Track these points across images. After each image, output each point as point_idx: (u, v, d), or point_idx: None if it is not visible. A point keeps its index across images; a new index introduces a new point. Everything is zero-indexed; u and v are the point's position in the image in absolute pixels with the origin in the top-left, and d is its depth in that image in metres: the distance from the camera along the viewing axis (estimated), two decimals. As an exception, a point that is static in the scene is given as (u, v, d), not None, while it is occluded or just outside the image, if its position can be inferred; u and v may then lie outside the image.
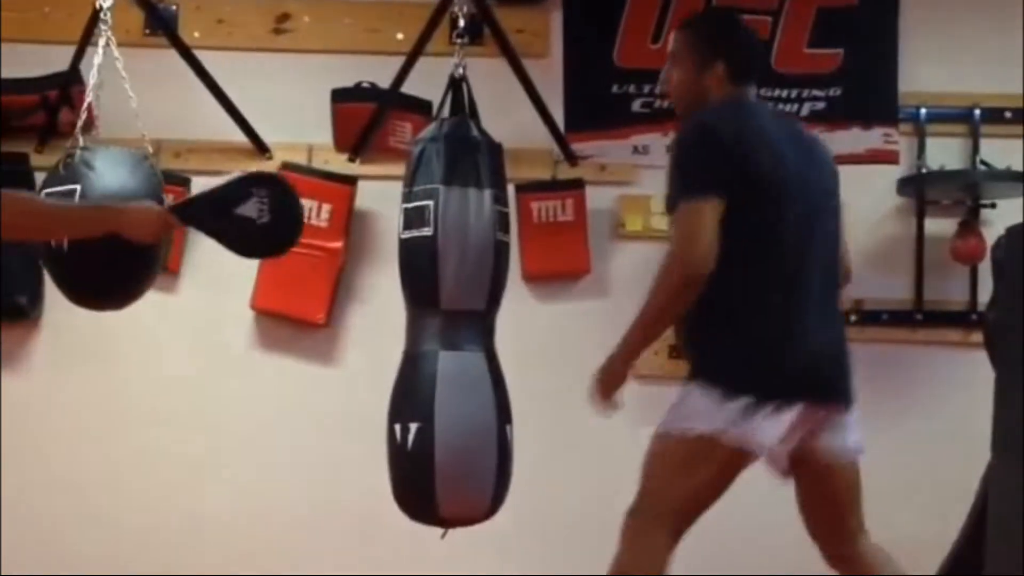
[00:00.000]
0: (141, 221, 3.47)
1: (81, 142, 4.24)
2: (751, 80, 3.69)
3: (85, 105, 4.32)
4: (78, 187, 4.04)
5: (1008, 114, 5.43)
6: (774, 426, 3.43)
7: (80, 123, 4.29)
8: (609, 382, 3.58)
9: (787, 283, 3.49)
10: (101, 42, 4.36)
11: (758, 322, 3.49)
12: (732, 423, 3.41)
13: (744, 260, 3.43)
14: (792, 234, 3.48)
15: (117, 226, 3.45)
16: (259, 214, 3.57)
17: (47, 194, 4.10)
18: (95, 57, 4.33)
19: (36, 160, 5.23)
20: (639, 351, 3.57)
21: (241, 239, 3.63)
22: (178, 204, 3.68)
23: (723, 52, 3.64)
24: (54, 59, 5.10)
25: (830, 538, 3.73)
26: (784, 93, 5.38)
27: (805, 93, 5.36)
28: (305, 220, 5.15)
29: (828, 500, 3.69)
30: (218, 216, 3.59)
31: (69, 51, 4.90)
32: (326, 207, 5.29)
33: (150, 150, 4.34)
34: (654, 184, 5.42)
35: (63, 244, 4.01)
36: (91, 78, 4.36)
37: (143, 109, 4.47)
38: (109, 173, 4.11)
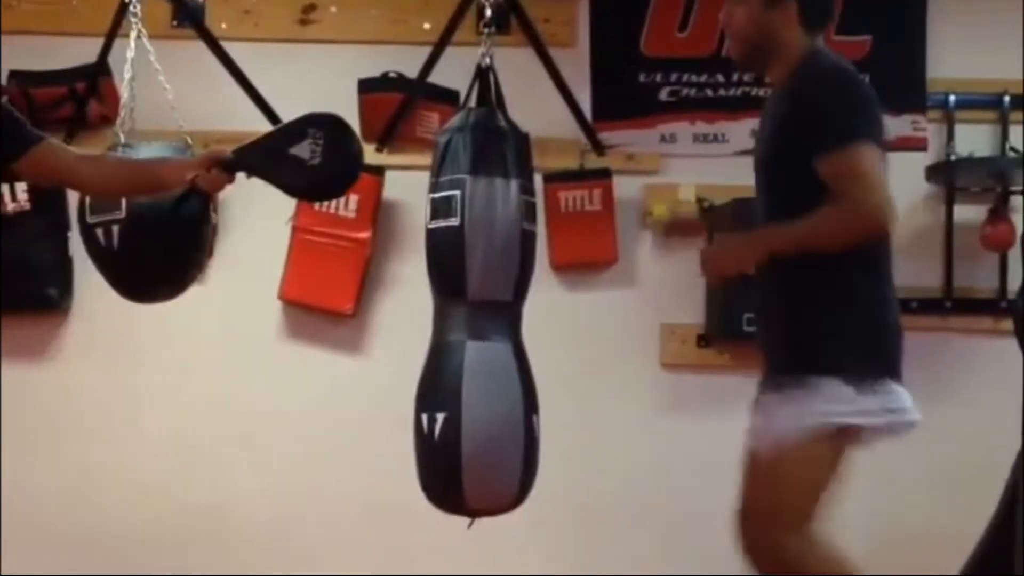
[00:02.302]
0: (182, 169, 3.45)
1: (122, 139, 4.26)
2: (823, 25, 3.43)
3: (123, 102, 4.33)
4: None
5: (1038, 100, 5.40)
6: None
7: (120, 119, 4.32)
8: (728, 260, 3.39)
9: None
10: (132, 35, 4.38)
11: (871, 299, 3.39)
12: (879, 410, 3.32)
13: None
14: None
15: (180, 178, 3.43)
16: (311, 155, 3.45)
17: None
18: (128, 51, 4.36)
19: (65, 152, 5.26)
20: (775, 251, 3.32)
21: (291, 180, 3.52)
22: (236, 150, 3.51)
23: None
24: (82, 51, 5.12)
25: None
26: (812, 80, 5.36)
27: (834, 80, 5.33)
28: (333, 210, 5.25)
29: None
30: (270, 157, 3.48)
31: (97, 43, 4.93)
32: (354, 197, 5.29)
33: (189, 141, 4.35)
34: (681, 173, 5.43)
35: (112, 243, 4.04)
36: (125, 72, 4.39)
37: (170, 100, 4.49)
38: None
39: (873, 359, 3.36)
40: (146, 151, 4.21)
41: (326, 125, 3.51)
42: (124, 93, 4.39)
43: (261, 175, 3.50)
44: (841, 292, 3.34)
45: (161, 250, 4.11)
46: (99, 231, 4.14)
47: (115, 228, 4.10)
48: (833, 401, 3.29)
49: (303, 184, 3.53)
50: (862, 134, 3.22)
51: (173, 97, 4.44)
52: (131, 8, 4.40)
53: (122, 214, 4.08)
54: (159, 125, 4.53)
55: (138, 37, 4.39)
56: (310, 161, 3.45)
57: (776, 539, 3.35)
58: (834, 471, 3.35)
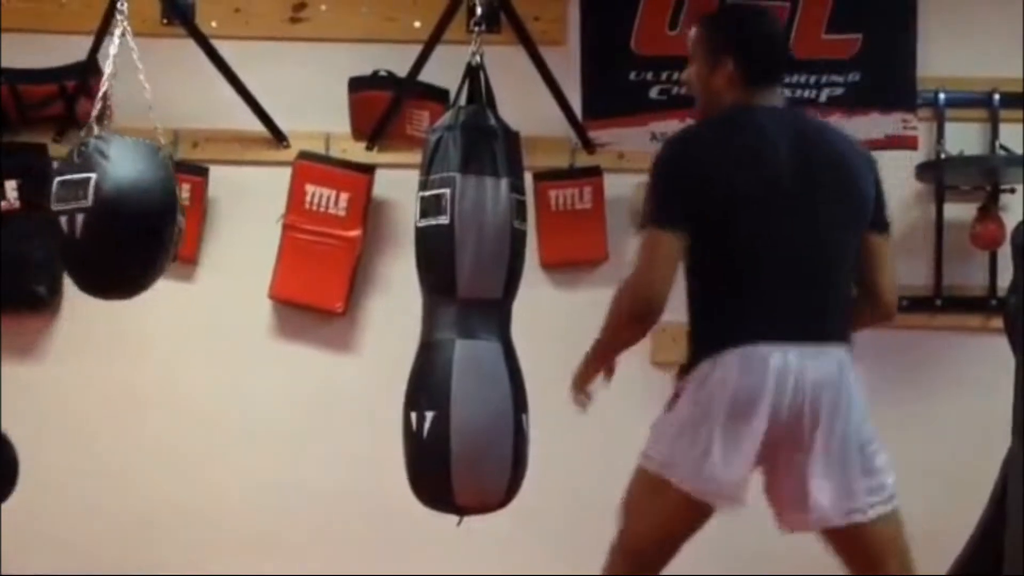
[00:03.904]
0: None
1: (96, 131, 4.25)
2: (766, 82, 3.50)
3: (100, 95, 4.32)
4: (93, 175, 4.05)
5: (1027, 98, 5.40)
6: None
7: (95, 112, 4.31)
8: (575, 387, 3.64)
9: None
10: (117, 32, 4.37)
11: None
12: None
13: (710, 278, 3.38)
14: (766, 250, 3.34)
15: None
16: None
17: (60, 182, 4.11)
18: (110, 47, 4.35)
19: (55, 150, 5.25)
20: (596, 370, 3.64)
21: None
22: None
23: (733, 52, 3.46)
24: (72, 49, 5.11)
25: None
26: (802, 79, 5.37)
27: (823, 79, 5.34)
28: (323, 209, 5.27)
29: None
30: None
31: (87, 41, 4.92)
32: (344, 196, 5.30)
33: (163, 141, 4.35)
34: (672, 171, 5.43)
35: (76, 231, 4.02)
36: (106, 68, 4.38)
37: (161, 99, 4.47)
38: (124, 162, 4.11)
39: None
40: (118, 146, 4.19)
41: None
42: (103, 87, 4.38)
43: None
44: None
45: (123, 243, 4.09)
46: (63, 219, 4.12)
47: (79, 216, 4.08)
48: None
49: None
50: (653, 220, 3.38)
51: (159, 95, 4.40)
52: (119, 5, 4.39)
53: (88, 203, 4.07)
54: (145, 123, 4.51)
55: (123, 35, 4.38)
56: None
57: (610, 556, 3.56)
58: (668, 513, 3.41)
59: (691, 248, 3.35)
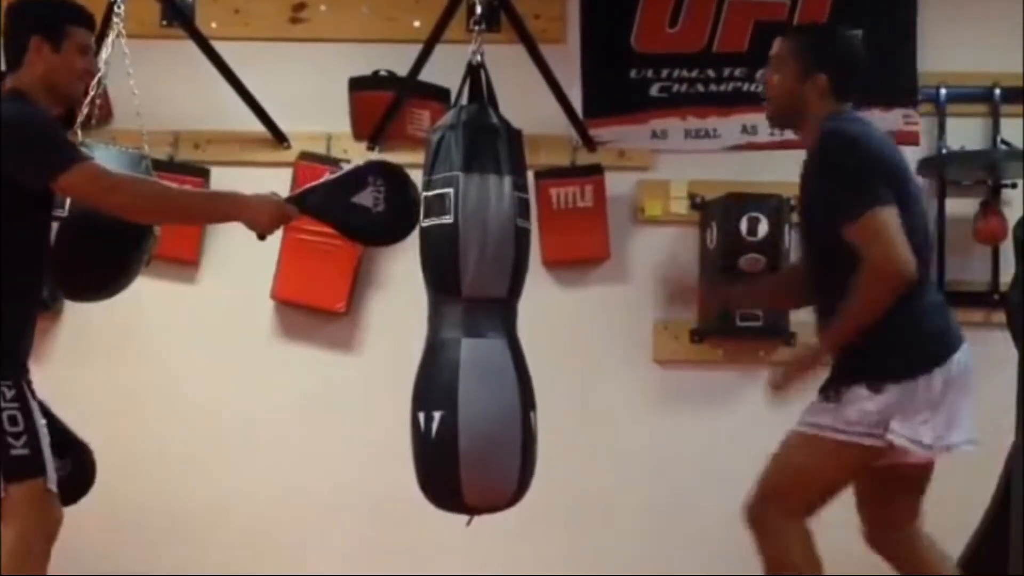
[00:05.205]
0: (261, 211, 3.52)
1: (80, 138, 4.24)
2: (851, 97, 3.70)
3: (88, 99, 4.31)
4: None
5: (1029, 93, 5.40)
6: None
7: (80, 118, 4.31)
8: (799, 372, 3.60)
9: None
10: (111, 35, 4.36)
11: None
12: None
13: None
14: (920, 233, 3.57)
15: (238, 215, 3.54)
16: (375, 203, 3.68)
17: None
18: (103, 51, 4.34)
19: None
20: (836, 349, 3.60)
21: (358, 228, 3.76)
22: (296, 194, 3.71)
23: (827, 66, 3.64)
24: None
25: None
26: (803, 75, 5.38)
27: (824, 75, 5.34)
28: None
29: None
30: (335, 205, 3.67)
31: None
32: (344, 195, 5.29)
33: (147, 150, 4.33)
34: (673, 169, 5.44)
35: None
36: (100, 70, 4.37)
37: (162, 100, 4.49)
38: None
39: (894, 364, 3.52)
40: (100, 156, 4.19)
41: (385, 174, 3.72)
42: (91, 91, 4.37)
43: (327, 221, 3.73)
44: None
45: (92, 254, 4.09)
46: None
47: (53, 224, 4.09)
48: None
49: (367, 230, 3.76)
50: (871, 201, 3.46)
51: (160, 96, 4.43)
52: (116, 8, 4.38)
53: (64, 212, 4.07)
54: (147, 126, 4.51)
55: (117, 37, 4.37)
56: (374, 208, 3.67)
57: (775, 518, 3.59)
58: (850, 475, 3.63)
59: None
